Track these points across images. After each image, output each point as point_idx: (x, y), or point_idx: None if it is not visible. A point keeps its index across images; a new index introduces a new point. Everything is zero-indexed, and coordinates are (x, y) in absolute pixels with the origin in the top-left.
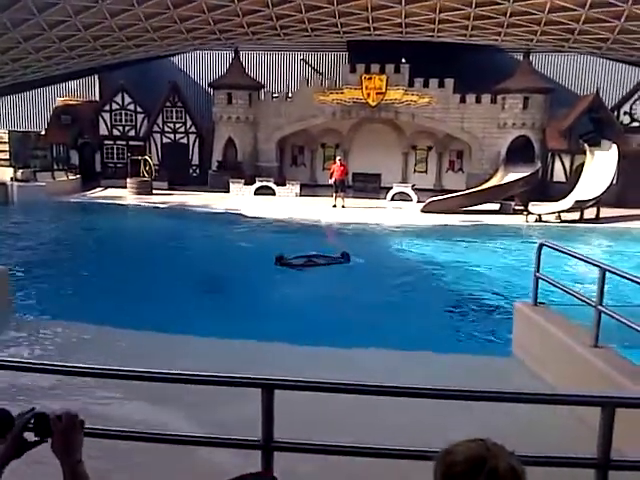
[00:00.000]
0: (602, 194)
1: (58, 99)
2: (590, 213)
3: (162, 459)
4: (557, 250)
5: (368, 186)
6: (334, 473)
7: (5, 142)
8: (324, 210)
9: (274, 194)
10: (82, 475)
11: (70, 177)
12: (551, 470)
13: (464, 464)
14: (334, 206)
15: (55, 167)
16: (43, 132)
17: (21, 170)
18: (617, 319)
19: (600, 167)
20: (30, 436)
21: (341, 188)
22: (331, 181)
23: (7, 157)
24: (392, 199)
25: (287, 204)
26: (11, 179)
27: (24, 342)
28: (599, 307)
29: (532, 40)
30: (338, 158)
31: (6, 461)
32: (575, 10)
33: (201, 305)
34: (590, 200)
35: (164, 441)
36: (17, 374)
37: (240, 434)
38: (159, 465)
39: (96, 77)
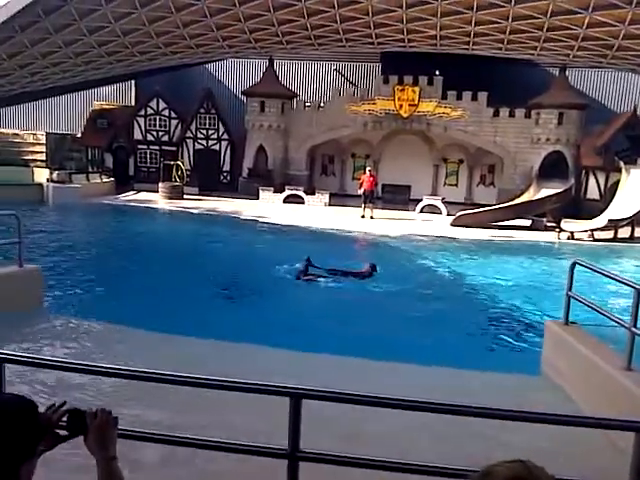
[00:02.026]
0: (637, 213)
1: (95, 103)
2: (624, 232)
3: (186, 461)
4: (590, 269)
5: (397, 198)
6: None
7: (42, 143)
8: (353, 220)
9: (303, 203)
10: (116, 471)
11: (104, 180)
12: None
13: None
14: (363, 217)
15: (90, 169)
16: (79, 135)
17: (57, 171)
18: None
19: (636, 186)
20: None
21: (370, 199)
22: (360, 191)
23: (44, 158)
24: (421, 211)
25: (316, 213)
26: (47, 180)
27: (54, 340)
28: (633, 329)
29: (569, 55)
30: (368, 169)
31: (39, 453)
32: (614, 26)
33: (223, 310)
34: (624, 219)
35: (190, 445)
36: (48, 371)
37: (264, 442)
38: (183, 468)
39: (132, 82)
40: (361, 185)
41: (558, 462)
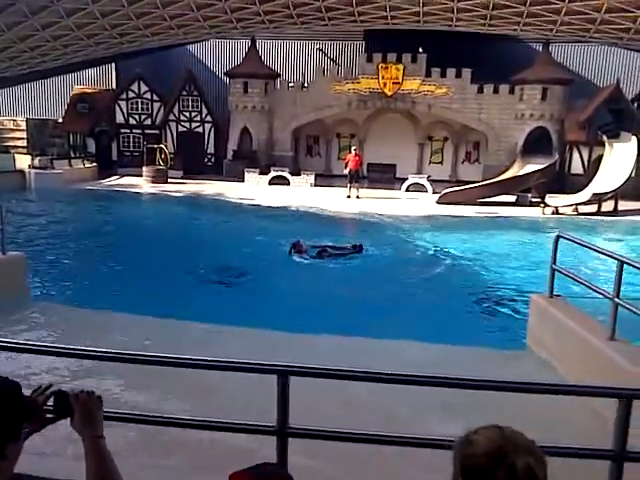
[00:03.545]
0: (620, 187)
1: (75, 87)
2: (608, 206)
3: (177, 442)
4: (574, 242)
5: (383, 177)
6: (347, 460)
7: (23, 129)
8: (338, 200)
9: (289, 184)
10: (104, 450)
11: (87, 165)
12: (566, 461)
13: (484, 457)
14: (348, 197)
15: (72, 155)
16: (60, 120)
17: (38, 157)
18: (634, 312)
19: (619, 159)
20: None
21: (356, 178)
22: (346, 171)
23: (25, 144)
24: (407, 190)
25: (302, 194)
26: (29, 166)
27: (38, 326)
28: (616, 300)
29: (552, 30)
30: (353, 148)
31: (27, 436)
32: None
33: (211, 292)
34: (608, 193)
35: (180, 425)
36: (31, 357)
37: (254, 420)
38: (173, 448)
39: (113, 65)
40: (347, 165)
41: (543, 431)
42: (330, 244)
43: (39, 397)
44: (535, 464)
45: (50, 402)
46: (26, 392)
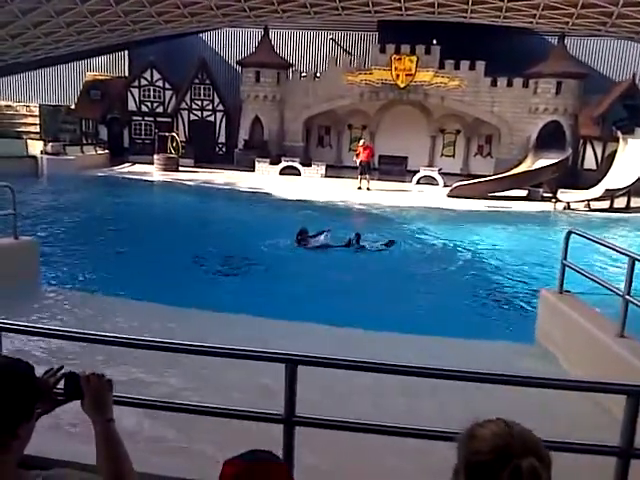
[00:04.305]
0: (634, 183)
1: (88, 74)
2: (621, 202)
3: (186, 427)
4: (585, 238)
5: (394, 169)
6: (351, 449)
7: (36, 115)
8: (349, 192)
9: (299, 174)
10: (114, 433)
11: (99, 152)
12: (573, 457)
13: (489, 454)
14: (359, 188)
15: (84, 141)
16: (73, 106)
17: (51, 143)
18: None
19: (633, 155)
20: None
21: (366, 170)
22: (357, 162)
23: (37, 130)
24: (418, 182)
25: (312, 185)
26: (41, 152)
27: (50, 311)
28: (627, 297)
29: (568, 23)
30: (362, 140)
31: (37, 416)
32: None
33: (217, 282)
34: (621, 189)
35: (187, 411)
36: (41, 340)
37: (261, 407)
38: (183, 432)
39: (126, 53)
40: (357, 156)
41: (551, 427)
42: (328, 241)
43: (50, 378)
44: (540, 466)
45: (61, 384)
46: (38, 373)
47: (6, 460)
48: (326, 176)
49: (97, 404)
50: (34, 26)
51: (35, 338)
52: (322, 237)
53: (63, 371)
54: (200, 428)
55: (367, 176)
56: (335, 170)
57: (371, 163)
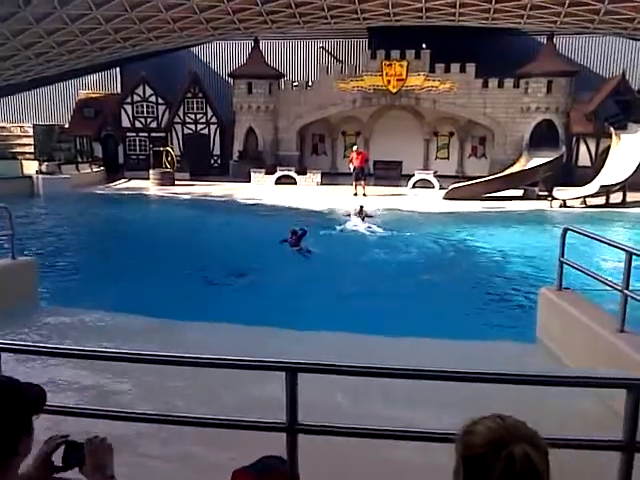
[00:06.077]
0: (629, 178)
1: (81, 92)
2: (616, 198)
3: (186, 441)
4: (582, 234)
5: (389, 174)
6: (356, 455)
7: (30, 135)
8: (345, 199)
9: (295, 183)
10: None
11: (94, 169)
12: (576, 452)
13: (483, 447)
14: (355, 194)
15: (79, 160)
16: (67, 125)
17: (46, 163)
18: None
19: (626, 151)
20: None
21: (361, 176)
22: (351, 168)
23: (32, 150)
24: (414, 186)
25: (308, 193)
26: (36, 172)
27: (49, 330)
28: (625, 291)
29: (556, 22)
30: (355, 146)
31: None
32: None
33: (218, 294)
34: (616, 184)
35: (189, 424)
36: (39, 359)
37: (263, 417)
38: (181, 447)
39: (117, 69)
40: (351, 162)
41: (553, 423)
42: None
43: (50, 442)
44: (534, 453)
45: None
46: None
47: (7, 478)
48: (322, 184)
49: (99, 468)
50: (25, 47)
51: (34, 357)
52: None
53: (67, 439)
54: (208, 439)
55: (362, 182)
56: (331, 177)
57: (366, 169)
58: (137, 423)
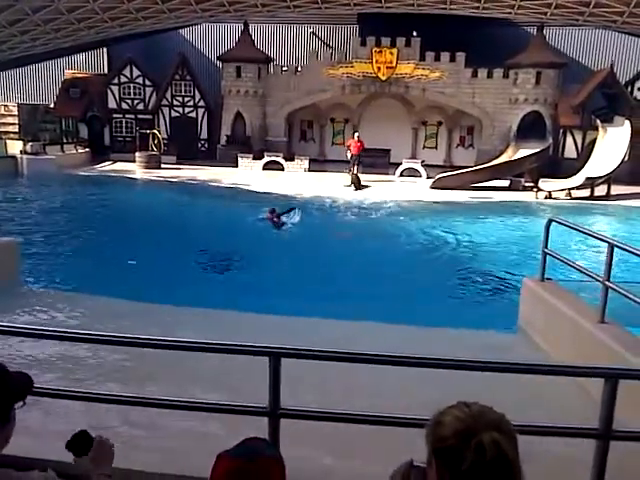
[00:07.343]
0: (614, 171)
1: (67, 72)
2: (601, 190)
3: (173, 422)
4: (566, 226)
5: (377, 161)
6: (338, 439)
7: (15, 115)
8: (333, 186)
9: (283, 169)
10: None
11: (79, 150)
12: (554, 440)
13: (452, 438)
14: (347, 186)
15: (64, 140)
16: (52, 105)
17: (30, 143)
18: (624, 295)
19: (612, 143)
20: None
21: (358, 163)
22: (349, 156)
23: (16, 130)
24: (401, 175)
25: (296, 179)
26: (21, 152)
27: (29, 311)
28: (606, 283)
29: (546, 13)
30: (357, 134)
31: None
32: None
33: (202, 279)
34: (601, 177)
35: (175, 407)
36: (21, 342)
37: (246, 401)
38: (170, 430)
39: (105, 50)
40: (349, 148)
41: (532, 412)
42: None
43: None
44: (501, 438)
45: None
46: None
47: None
48: (309, 170)
49: (101, 460)
50: (9, 24)
51: (13, 339)
52: (296, 216)
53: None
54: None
55: (356, 169)
56: (318, 164)
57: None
58: (115, 405)
